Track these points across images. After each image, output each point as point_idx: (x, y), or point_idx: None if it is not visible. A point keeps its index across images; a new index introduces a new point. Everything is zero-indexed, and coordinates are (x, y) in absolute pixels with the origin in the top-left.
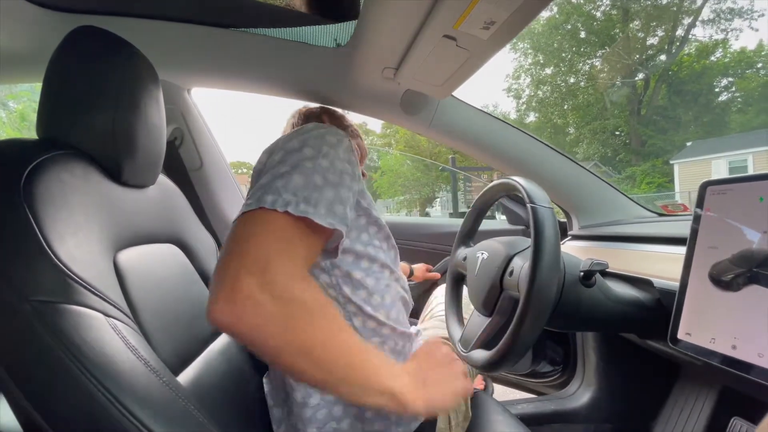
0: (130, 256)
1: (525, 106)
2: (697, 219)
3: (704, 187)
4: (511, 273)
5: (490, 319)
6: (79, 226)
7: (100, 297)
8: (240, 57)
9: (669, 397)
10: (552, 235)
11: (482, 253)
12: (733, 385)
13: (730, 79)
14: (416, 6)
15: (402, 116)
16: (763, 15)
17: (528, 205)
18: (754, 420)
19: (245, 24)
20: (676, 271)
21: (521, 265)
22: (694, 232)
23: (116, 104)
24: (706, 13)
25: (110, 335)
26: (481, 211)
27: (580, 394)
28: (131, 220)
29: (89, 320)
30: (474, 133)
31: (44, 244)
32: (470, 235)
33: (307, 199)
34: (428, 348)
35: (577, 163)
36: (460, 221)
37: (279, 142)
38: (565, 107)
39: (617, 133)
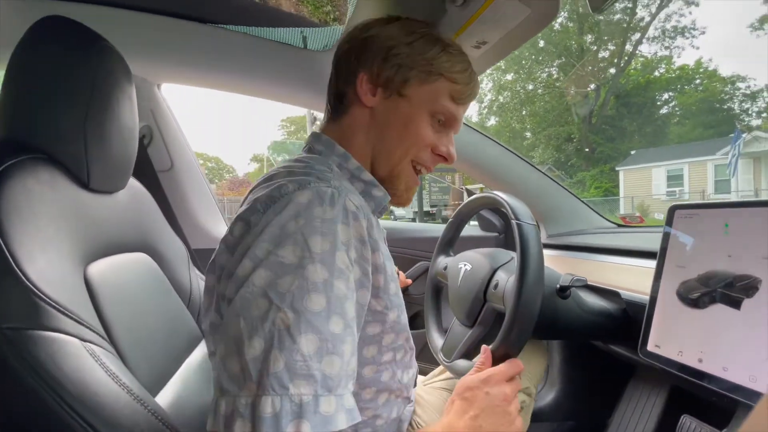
0: (100, 269)
1: (486, 110)
2: (666, 239)
3: (673, 209)
4: (496, 286)
5: (472, 329)
6: (49, 240)
7: (75, 320)
8: (216, 53)
9: (623, 395)
10: (536, 252)
11: (465, 265)
12: (682, 385)
13: (671, 93)
14: None
15: None
16: (704, 33)
17: (513, 222)
18: (702, 417)
19: (225, 20)
20: (640, 282)
21: (506, 278)
22: (663, 251)
23: (88, 103)
24: (652, 31)
25: (89, 363)
26: (462, 221)
27: (544, 394)
28: (101, 229)
29: (65, 347)
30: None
31: (13, 264)
32: (450, 244)
33: (328, 380)
34: (477, 392)
35: (546, 175)
36: (429, 226)
37: (263, 228)
38: (524, 113)
39: (572, 138)
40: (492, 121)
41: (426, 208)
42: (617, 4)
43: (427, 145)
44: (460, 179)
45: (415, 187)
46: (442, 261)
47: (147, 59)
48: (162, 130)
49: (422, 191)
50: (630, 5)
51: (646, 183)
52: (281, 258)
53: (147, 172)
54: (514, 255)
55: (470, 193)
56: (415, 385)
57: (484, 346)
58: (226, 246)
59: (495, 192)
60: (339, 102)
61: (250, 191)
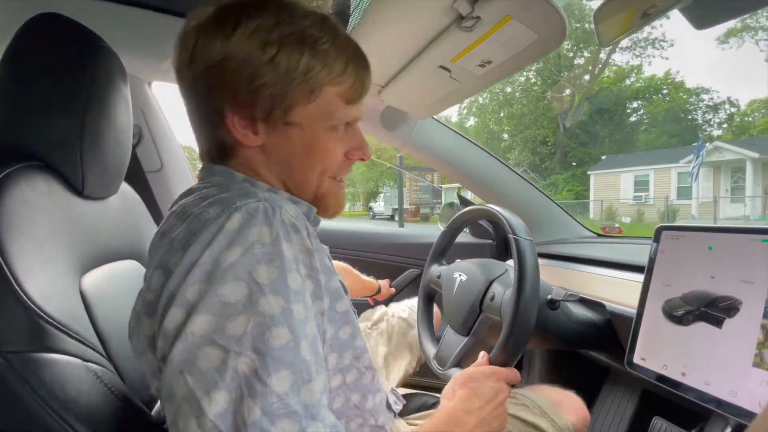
0: (94, 280)
1: (466, 110)
2: (653, 258)
3: (660, 230)
4: (492, 298)
5: (466, 338)
6: (47, 254)
7: (77, 339)
8: None
9: (598, 397)
10: (533, 268)
11: (460, 275)
12: (652, 388)
13: (640, 102)
14: (417, 37)
15: (380, 130)
16: (672, 45)
17: (510, 237)
18: (673, 419)
19: None
20: (623, 294)
21: (502, 292)
22: (650, 269)
23: (85, 107)
24: (625, 41)
25: (93, 385)
26: (456, 231)
27: None
28: (94, 237)
29: (69, 369)
30: (447, 152)
31: (14, 283)
32: (443, 253)
33: (311, 408)
34: (482, 383)
35: (532, 185)
36: (416, 231)
37: (190, 268)
38: (501, 115)
39: (547, 142)
40: (471, 122)
41: (405, 206)
42: (591, 15)
43: (338, 158)
44: (438, 178)
45: (343, 193)
46: (436, 269)
47: (139, 56)
48: (152, 130)
49: (402, 189)
50: None
51: (615, 187)
52: (224, 298)
53: (135, 173)
54: (507, 267)
55: (466, 202)
56: (393, 413)
57: (483, 353)
58: (145, 307)
59: (491, 206)
60: (217, 148)
61: (154, 238)
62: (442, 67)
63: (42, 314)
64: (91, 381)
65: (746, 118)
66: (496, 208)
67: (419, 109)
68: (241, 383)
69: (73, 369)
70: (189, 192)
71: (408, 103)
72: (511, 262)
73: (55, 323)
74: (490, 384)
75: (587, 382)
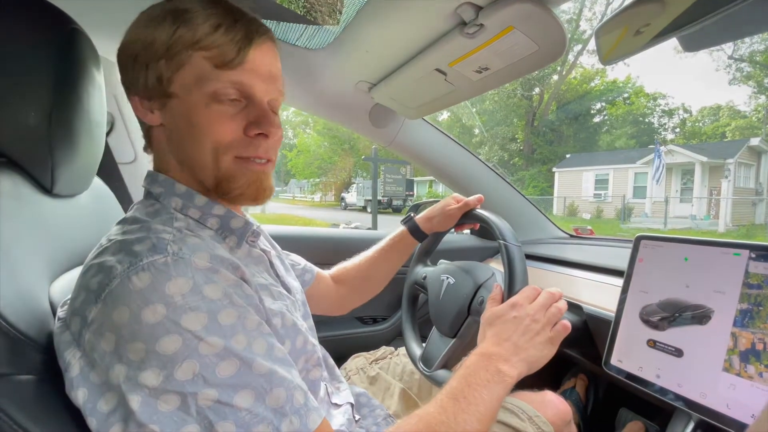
0: (63, 287)
1: None
2: (631, 265)
3: (639, 239)
4: (481, 303)
5: (453, 340)
6: (16, 264)
7: (49, 355)
8: None
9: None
10: (522, 272)
11: (448, 278)
12: (619, 383)
13: (603, 104)
14: (415, 39)
15: (368, 127)
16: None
17: (500, 243)
18: (637, 410)
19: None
20: (598, 297)
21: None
22: (629, 276)
23: (53, 98)
24: (592, 44)
25: (69, 405)
26: (441, 233)
27: None
28: (64, 240)
29: (42, 390)
30: (433, 153)
31: None
32: (428, 254)
33: (279, 411)
34: (505, 318)
35: (513, 186)
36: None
37: (117, 328)
38: (474, 110)
39: (516, 139)
40: (444, 116)
41: (378, 198)
42: (564, 16)
43: (231, 134)
44: (411, 170)
45: (263, 175)
46: (421, 270)
47: (112, 37)
48: (125, 119)
49: (377, 180)
50: (575, 18)
51: (577, 185)
52: (163, 351)
53: (107, 164)
54: (494, 271)
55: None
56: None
57: (496, 284)
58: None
59: (481, 210)
60: (144, 133)
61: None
62: (438, 70)
63: (15, 332)
64: (65, 400)
65: (697, 124)
66: (486, 213)
67: (410, 110)
68: (207, 414)
69: (45, 389)
70: (131, 220)
71: (398, 102)
72: (494, 264)
73: (26, 340)
74: (513, 314)
75: (559, 377)
